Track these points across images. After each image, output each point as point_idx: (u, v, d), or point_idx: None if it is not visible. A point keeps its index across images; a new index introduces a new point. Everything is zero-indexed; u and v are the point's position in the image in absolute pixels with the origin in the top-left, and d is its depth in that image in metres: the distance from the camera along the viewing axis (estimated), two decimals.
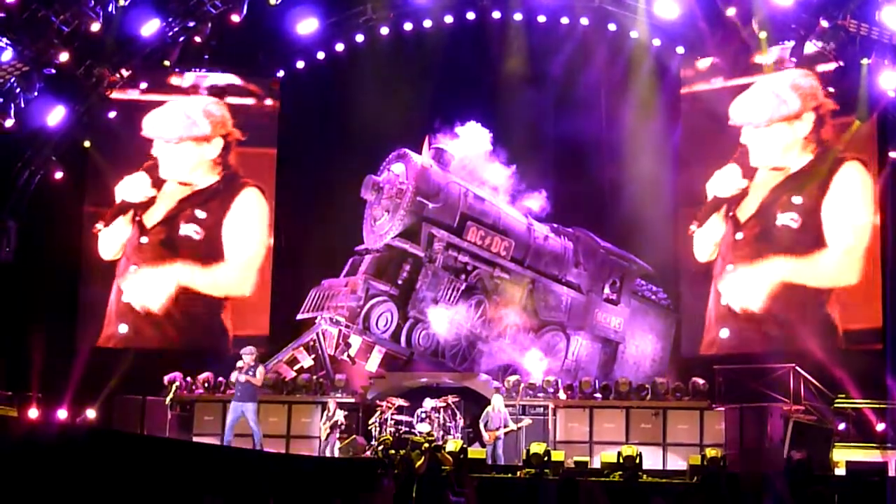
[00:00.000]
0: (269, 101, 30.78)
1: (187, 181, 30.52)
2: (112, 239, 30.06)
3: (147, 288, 29.87)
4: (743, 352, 27.41)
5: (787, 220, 27.75)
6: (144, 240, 30.13)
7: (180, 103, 30.38)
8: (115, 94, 28.97)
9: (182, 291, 29.94)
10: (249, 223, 30.55)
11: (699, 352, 28.44)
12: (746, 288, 28.14)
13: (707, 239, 29.14)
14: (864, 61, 25.40)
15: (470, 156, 26.35)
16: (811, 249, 27.43)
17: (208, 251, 30.26)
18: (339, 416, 23.52)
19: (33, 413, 24.78)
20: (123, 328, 29.50)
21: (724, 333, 28.27)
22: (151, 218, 30.25)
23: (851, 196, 27.17)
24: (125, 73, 28.49)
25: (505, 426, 23.02)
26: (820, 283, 27.32)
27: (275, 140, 30.59)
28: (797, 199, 27.73)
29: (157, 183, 30.34)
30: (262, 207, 30.63)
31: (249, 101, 30.74)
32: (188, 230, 30.22)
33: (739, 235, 28.46)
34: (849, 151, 27.32)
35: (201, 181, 30.50)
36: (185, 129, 30.41)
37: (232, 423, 21.05)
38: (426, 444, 19.77)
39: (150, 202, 30.22)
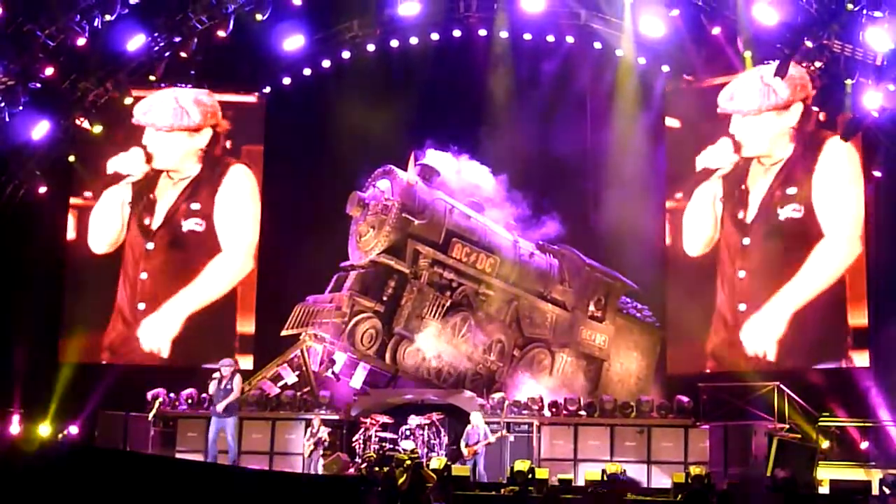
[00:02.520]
0: (254, 119, 30.74)
1: (174, 169, 30.47)
2: (104, 228, 29.99)
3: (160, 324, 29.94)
4: (727, 370, 27.45)
5: (790, 212, 27.72)
6: (150, 245, 30.04)
7: (171, 93, 30.28)
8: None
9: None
10: (241, 200, 30.59)
11: (704, 368, 28.22)
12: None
13: (699, 231, 29.09)
14: (848, 81, 25.47)
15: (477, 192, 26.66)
16: (816, 240, 27.40)
17: (214, 242, 30.40)
18: (324, 433, 23.45)
19: (15, 429, 24.68)
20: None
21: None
22: (155, 221, 30.23)
23: (840, 173, 27.26)
24: (110, 87, 28.33)
25: (486, 438, 22.98)
26: (830, 278, 27.26)
27: (260, 154, 30.52)
28: (792, 190, 27.74)
29: (150, 160, 30.33)
30: (252, 183, 30.67)
31: (235, 114, 30.73)
32: (190, 225, 30.22)
33: (747, 241, 28.37)
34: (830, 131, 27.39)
35: (187, 170, 30.47)
36: (177, 119, 30.36)
37: (213, 437, 20.91)
38: (409, 462, 19.69)
39: (150, 197, 30.15)
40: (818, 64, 25.77)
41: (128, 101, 28.76)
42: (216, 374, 21.07)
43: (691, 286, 29.04)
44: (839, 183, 27.23)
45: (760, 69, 28.12)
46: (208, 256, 30.22)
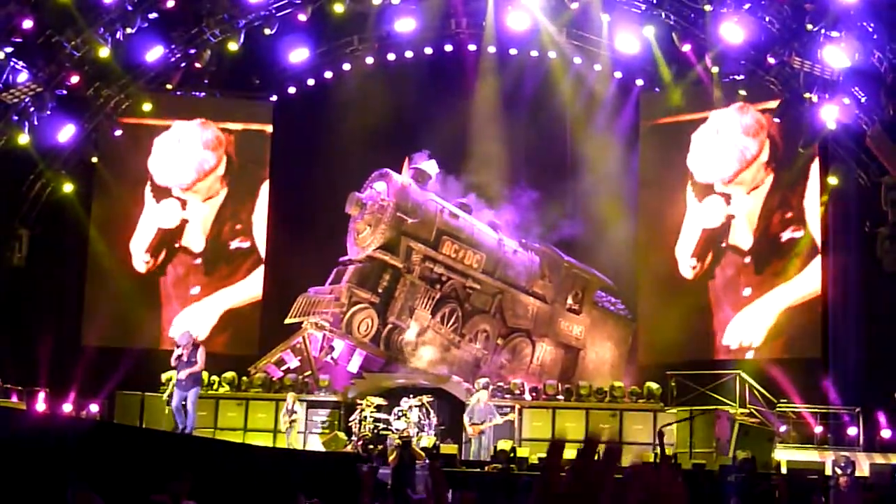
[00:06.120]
0: (263, 124, 30.81)
1: (207, 196, 30.62)
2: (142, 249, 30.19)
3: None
4: (692, 359, 27.58)
5: (790, 234, 27.85)
6: (198, 261, 30.28)
7: (182, 147, 30.21)
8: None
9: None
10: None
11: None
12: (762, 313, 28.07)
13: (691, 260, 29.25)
14: (807, 95, 25.63)
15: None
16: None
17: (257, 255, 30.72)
18: (299, 409, 23.61)
19: (41, 407, 24.77)
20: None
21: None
22: (196, 243, 30.44)
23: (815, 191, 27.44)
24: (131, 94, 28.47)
25: (491, 419, 23.04)
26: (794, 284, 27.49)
27: (267, 159, 30.61)
28: (789, 214, 27.87)
29: (184, 205, 30.49)
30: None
31: (244, 124, 30.78)
32: (236, 244, 30.50)
33: (748, 259, 28.49)
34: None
35: (213, 191, 30.61)
36: (196, 172, 30.37)
37: (177, 405, 20.58)
38: (398, 441, 19.82)
39: (182, 225, 30.34)
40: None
41: (146, 107, 28.89)
42: (177, 350, 20.75)
43: (661, 284, 29.23)
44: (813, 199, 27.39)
45: (725, 128, 28.40)
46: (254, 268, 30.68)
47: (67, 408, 25.58)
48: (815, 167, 27.37)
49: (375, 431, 23.02)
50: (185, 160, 30.31)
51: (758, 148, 28.22)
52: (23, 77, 25.11)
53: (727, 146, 28.56)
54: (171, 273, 30.21)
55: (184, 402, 20.53)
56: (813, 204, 27.39)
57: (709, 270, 28.87)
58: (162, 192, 30.25)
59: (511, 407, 24.58)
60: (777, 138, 27.94)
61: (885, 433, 23.89)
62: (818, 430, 24.70)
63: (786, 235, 27.88)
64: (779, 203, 28.03)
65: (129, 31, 25.97)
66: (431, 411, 24.15)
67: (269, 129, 30.75)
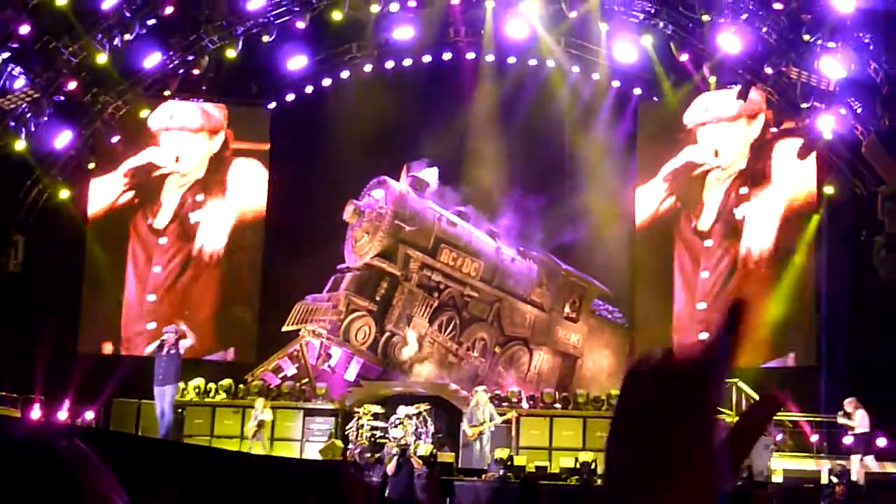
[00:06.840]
0: (261, 144, 30.54)
1: (185, 172, 30.08)
2: (103, 194, 29.57)
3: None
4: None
5: (745, 210, 27.79)
6: (164, 240, 29.83)
7: (185, 104, 29.91)
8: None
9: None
10: (247, 182, 30.27)
11: None
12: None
13: (648, 203, 29.34)
14: (804, 105, 25.53)
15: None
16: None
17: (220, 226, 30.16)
18: (267, 415, 23.27)
19: (35, 414, 24.53)
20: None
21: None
22: (161, 220, 29.90)
23: (790, 167, 27.31)
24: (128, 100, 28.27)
25: (491, 420, 22.86)
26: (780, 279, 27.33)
27: (265, 166, 30.35)
28: (744, 190, 27.82)
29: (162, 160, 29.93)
30: (256, 167, 30.37)
31: (245, 143, 30.52)
32: (197, 217, 29.95)
33: (709, 243, 28.38)
34: (779, 136, 27.46)
35: (195, 173, 30.17)
36: (202, 121, 30.03)
37: (160, 411, 20.01)
38: (396, 448, 19.68)
39: (158, 201, 29.87)
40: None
41: (144, 113, 28.72)
42: (161, 338, 20.14)
43: (657, 290, 29.08)
44: (788, 190, 27.31)
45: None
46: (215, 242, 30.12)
47: (63, 415, 25.35)
48: (781, 152, 27.36)
49: (373, 440, 22.82)
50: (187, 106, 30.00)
51: (757, 105, 28.03)
52: (20, 83, 24.88)
53: (719, 92, 28.46)
54: (137, 257, 29.84)
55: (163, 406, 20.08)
56: (776, 191, 27.41)
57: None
58: (147, 137, 29.71)
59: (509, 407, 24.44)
60: (770, 124, 27.88)
61: (881, 441, 23.73)
62: (814, 438, 24.57)
63: (739, 213, 27.94)
64: (742, 181, 28.19)
65: (127, 37, 25.76)
66: (429, 419, 23.95)
67: (266, 147, 30.38)
